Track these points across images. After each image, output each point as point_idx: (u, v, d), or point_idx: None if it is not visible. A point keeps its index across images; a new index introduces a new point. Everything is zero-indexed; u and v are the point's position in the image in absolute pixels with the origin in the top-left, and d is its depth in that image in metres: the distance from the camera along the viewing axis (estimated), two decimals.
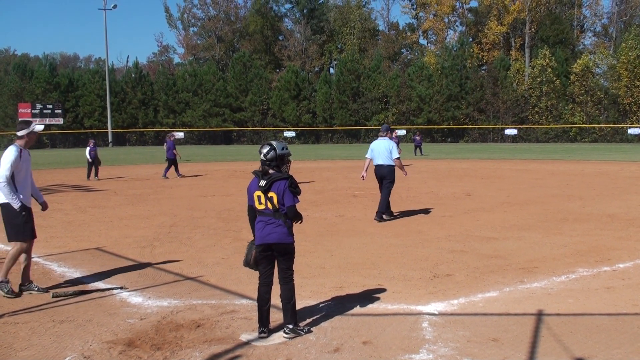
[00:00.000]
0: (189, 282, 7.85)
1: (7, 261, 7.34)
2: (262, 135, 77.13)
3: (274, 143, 5.87)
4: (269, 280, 5.85)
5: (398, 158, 12.98)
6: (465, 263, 8.70)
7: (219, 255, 9.51)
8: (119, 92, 79.18)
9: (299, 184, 5.88)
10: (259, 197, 5.77)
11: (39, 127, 7.62)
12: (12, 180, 7.22)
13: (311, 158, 37.27)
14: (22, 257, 7.40)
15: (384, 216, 12.97)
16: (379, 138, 13.23)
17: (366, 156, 13.42)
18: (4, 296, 7.23)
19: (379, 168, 13.01)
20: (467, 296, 7.04)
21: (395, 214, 13.52)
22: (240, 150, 57.08)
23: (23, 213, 7.23)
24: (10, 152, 7.27)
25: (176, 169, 25.74)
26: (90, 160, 24.58)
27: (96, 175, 24.62)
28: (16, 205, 7.16)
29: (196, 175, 25.93)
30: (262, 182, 5.72)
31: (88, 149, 24.82)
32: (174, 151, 25.56)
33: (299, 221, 5.88)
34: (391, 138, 13.42)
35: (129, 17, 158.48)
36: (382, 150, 12.93)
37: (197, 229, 12.09)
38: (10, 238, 7.39)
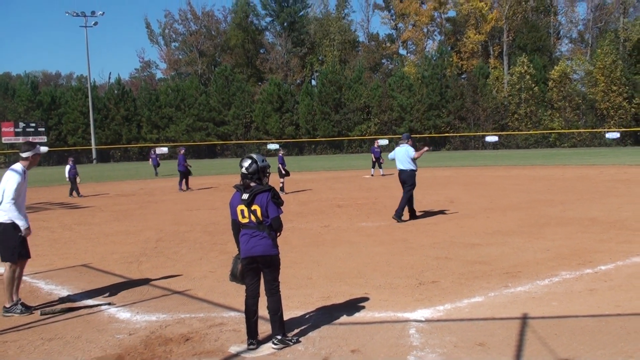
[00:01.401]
0: (176, 296, 7.82)
1: (6, 286, 7.25)
2: (246, 148, 77.09)
3: (254, 156, 5.89)
4: (256, 292, 5.85)
5: (416, 154, 14.00)
6: (450, 269, 8.74)
7: (205, 268, 9.48)
8: (101, 108, 78.86)
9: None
10: (242, 210, 5.77)
11: (43, 149, 7.62)
12: None
13: (295, 169, 37.23)
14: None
15: (394, 216, 13.94)
16: (400, 145, 14.35)
17: (389, 157, 14.85)
18: (20, 315, 7.15)
19: (400, 172, 14.26)
20: (453, 302, 7.06)
21: (417, 215, 14.40)
22: (224, 163, 56.96)
23: (20, 234, 7.20)
24: (16, 173, 7.25)
25: (181, 182, 25.92)
26: (69, 178, 24.54)
27: (78, 192, 24.55)
28: (23, 225, 7.14)
29: (188, 190, 25.83)
30: (245, 196, 5.72)
31: (68, 167, 24.79)
32: (185, 164, 25.92)
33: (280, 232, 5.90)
34: (412, 145, 14.39)
35: (110, 33, 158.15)
36: (402, 156, 14.11)
37: (184, 243, 12.05)
38: (5, 258, 7.34)
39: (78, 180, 24.92)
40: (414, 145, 14.44)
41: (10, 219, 7.19)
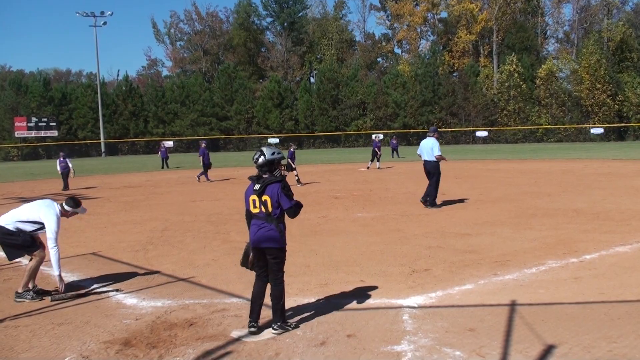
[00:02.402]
0: (181, 283, 7.81)
1: (28, 274, 7.20)
2: (247, 143, 77.21)
3: (264, 149, 5.83)
4: (265, 280, 5.83)
5: (439, 154, 14.42)
6: (441, 258, 8.73)
7: (209, 256, 9.46)
8: (110, 104, 78.69)
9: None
10: (254, 200, 5.73)
11: (82, 210, 7.57)
12: (30, 227, 7.21)
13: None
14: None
15: (428, 205, 14.54)
16: (427, 137, 14.80)
17: (417, 152, 15.15)
18: (31, 301, 7.13)
19: (425, 163, 14.72)
20: (445, 289, 7.05)
21: (428, 204, 14.57)
22: (227, 157, 56.87)
23: (20, 234, 7.17)
24: (56, 218, 7.19)
25: (204, 174, 26.12)
26: (60, 172, 24.31)
27: (66, 187, 23.86)
28: (57, 272, 7.09)
29: (199, 183, 25.80)
30: (257, 186, 5.70)
31: (58, 161, 24.56)
32: (202, 156, 26.29)
33: (300, 208, 5.83)
34: (436, 137, 14.76)
35: (118, 33, 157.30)
36: (427, 148, 14.56)
37: (188, 233, 12.03)
38: (12, 257, 7.36)
39: (71, 175, 24.27)
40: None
41: (16, 228, 7.17)
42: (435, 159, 14.43)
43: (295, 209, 5.74)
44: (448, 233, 10.91)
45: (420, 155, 14.89)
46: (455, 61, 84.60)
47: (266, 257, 5.78)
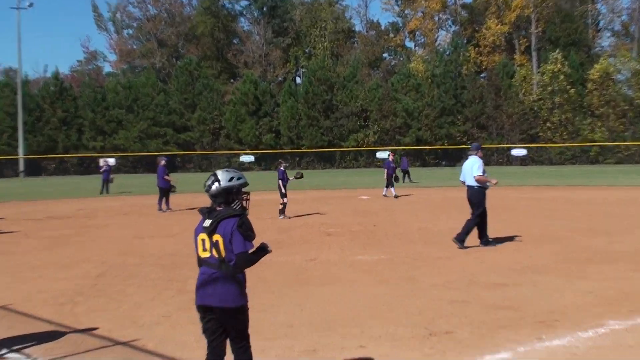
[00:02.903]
0: (119, 347, 7.68)
1: None
2: (213, 161, 77.34)
3: (218, 173, 5.56)
4: (220, 351, 5.50)
5: (478, 174, 14.49)
6: (468, 317, 8.65)
7: (158, 312, 9.34)
8: (34, 109, 78.88)
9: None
10: (203, 240, 5.45)
11: None
12: None
13: (274, 188, 37.22)
14: None
15: (455, 240, 14.49)
16: (469, 157, 15.07)
17: (460, 179, 15.22)
18: None
19: (467, 189, 14.87)
20: (473, 358, 6.96)
21: (490, 241, 14.84)
22: (186, 179, 56.70)
23: None
24: None
25: (161, 200, 26.04)
26: None
27: None
28: None
29: (139, 213, 25.65)
30: (207, 222, 5.43)
31: None
32: (166, 177, 26.04)
33: (266, 253, 5.53)
34: (480, 156, 14.92)
35: (48, 18, 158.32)
36: (468, 169, 14.81)
37: (132, 280, 11.89)
38: None
39: None
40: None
41: None
42: (479, 185, 14.52)
43: (249, 257, 5.39)
44: (476, 282, 10.86)
45: (463, 182, 15.00)
46: (483, 59, 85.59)
47: (219, 320, 5.50)
